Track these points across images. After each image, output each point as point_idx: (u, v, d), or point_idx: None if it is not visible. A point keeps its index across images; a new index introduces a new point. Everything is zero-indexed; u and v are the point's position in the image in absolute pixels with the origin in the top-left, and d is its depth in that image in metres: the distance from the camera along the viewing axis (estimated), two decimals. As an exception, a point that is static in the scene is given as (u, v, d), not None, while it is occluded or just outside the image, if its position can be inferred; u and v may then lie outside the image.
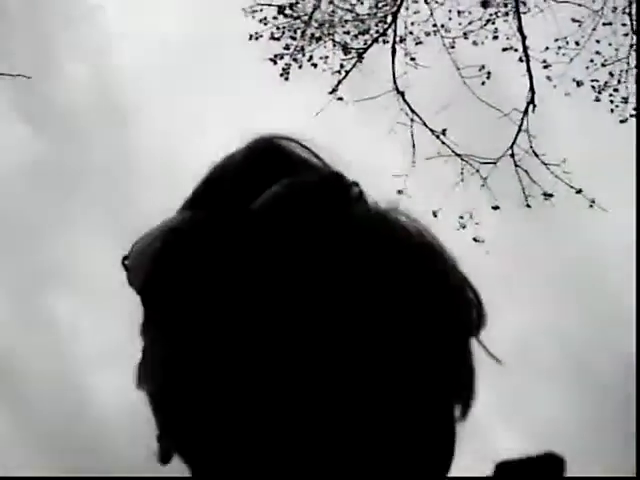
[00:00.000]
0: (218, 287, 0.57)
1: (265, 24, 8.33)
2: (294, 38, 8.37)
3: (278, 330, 0.55)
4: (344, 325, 0.55)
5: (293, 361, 0.54)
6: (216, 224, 0.59)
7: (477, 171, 7.27)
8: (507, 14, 7.91)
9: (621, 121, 7.70)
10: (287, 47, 8.36)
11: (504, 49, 7.83)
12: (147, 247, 0.63)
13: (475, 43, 7.99)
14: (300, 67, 8.29)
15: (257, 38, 8.32)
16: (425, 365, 0.57)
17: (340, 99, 7.78)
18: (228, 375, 0.55)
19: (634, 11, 7.53)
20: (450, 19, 8.03)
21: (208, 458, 0.57)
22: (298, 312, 0.55)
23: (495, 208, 7.20)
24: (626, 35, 7.69)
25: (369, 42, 8.18)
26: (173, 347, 0.58)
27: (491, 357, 0.64)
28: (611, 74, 7.79)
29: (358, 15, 8.25)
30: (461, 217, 7.29)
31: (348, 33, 8.29)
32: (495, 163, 7.29)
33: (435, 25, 8.04)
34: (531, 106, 7.63)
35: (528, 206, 7.32)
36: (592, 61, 7.80)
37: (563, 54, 7.78)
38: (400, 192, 6.55)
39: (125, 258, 0.65)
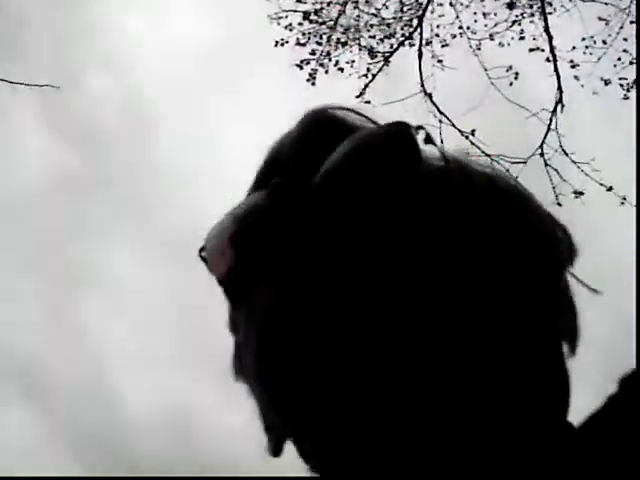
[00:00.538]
0: (305, 262, 0.56)
1: (290, 30, 8.37)
2: (320, 43, 8.40)
3: (376, 291, 0.54)
4: (444, 277, 0.54)
5: (398, 321, 0.53)
6: (285, 199, 0.58)
7: (507, 171, 7.22)
8: (533, 15, 7.91)
9: (650, 119, 7.66)
10: (313, 52, 8.38)
11: (531, 50, 7.83)
12: (222, 235, 0.63)
13: (501, 44, 8.00)
14: (327, 72, 8.32)
15: (283, 44, 8.35)
16: (528, 304, 0.56)
17: (367, 102, 7.78)
18: (333, 341, 0.53)
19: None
20: (476, 21, 8.05)
21: (329, 429, 0.55)
22: (393, 271, 0.54)
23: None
24: (654, 33, 7.67)
25: (395, 46, 8.20)
26: (270, 326, 0.56)
27: (587, 288, 0.63)
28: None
29: (384, 19, 8.27)
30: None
31: (374, 37, 8.31)
32: (525, 162, 7.27)
33: (461, 27, 8.06)
34: (559, 106, 7.63)
35: (559, 204, 7.30)
36: (620, 59, 7.78)
37: (590, 53, 7.77)
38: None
39: (201, 250, 0.65)
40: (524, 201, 0.62)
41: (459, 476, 0.52)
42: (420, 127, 0.63)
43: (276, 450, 0.63)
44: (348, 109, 0.67)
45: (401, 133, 0.61)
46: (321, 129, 0.64)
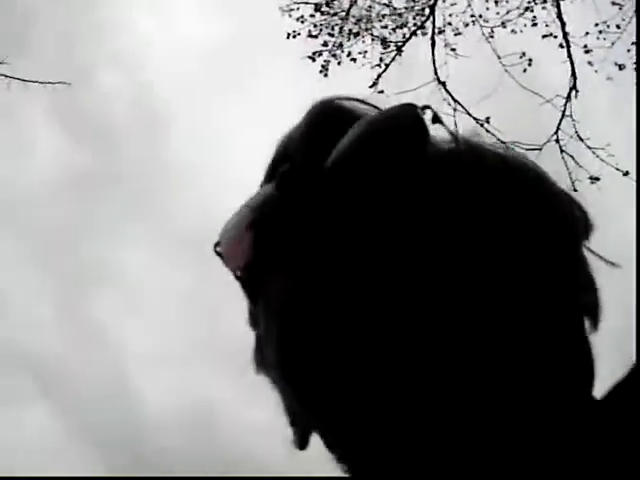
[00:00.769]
0: (320, 248, 0.55)
1: (302, 22, 8.36)
2: (332, 35, 8.38)
3: (395, 274, 0.53)
4: (461, 257, 0.54)
5: (417, 304, 0.52)
6: (295, 186, 0.58)
7: (522, 157, 7.20)
8: (545, 1, 7.87)
9: (665, 103, 7.61)
10: (325, 44, 8.37)
11: (544, 36, 7.77)
12: (240, 224, 0.63)
13: (514, 32, 7.96)
14: (339, 63, 8.30)
15: (295, 37, 8.34)
16: (546, 280, 0.56)
17: (381, 92, 7.76)
18: (353, 327, 0.53)
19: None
20: (488, 9, 8.01)
21: (352, 419, 0.54)
22: (410, 251, 0.54)
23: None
24: (667, 16, 7.61)
25: (407, 35, 8.18)
26: (288, 315, 0.56)
27: (604, 261, 0.63)
28: (654, 56, 7.71)
29: (395, 9, 8.24)
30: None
31: (386, 27, 8.28)
32: (540, 149, 7.24)
33: (473, 15, 8.03)
34: (574, 91, 7.59)
35: (575, 190, 7.25)
36: (634, 44, 7.73)
37: (604, 38, 7.71)
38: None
39: (216, 244, 0.65)
40: (538, 178, 0.62)
41: (487, 458, 0.52)
42: (427, 107, 0.63)
43: (302, 443, 0.63)
44: (356, 99, 0.67)
45: (409, 114, 0.61)
46: (328, 119, 0.64)
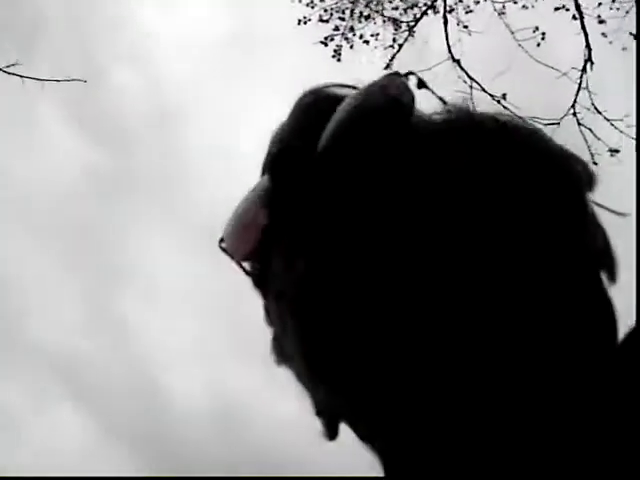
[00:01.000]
0: (327, 231, 0.55)
1: (312, 7, 8.34)
2: (343, 19, 8.36)
3: (402, 246, 0.53)
4: (465, 218, 0.54)
5: (427, 274, 0.52)
6: (291, 174, 0.58)
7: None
8: (556, -27, 7.80)
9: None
10: (337, 28, 8.35)
11: (556, 8, 7.72)
12: (238, 222, 0.63)
13: (525, 7, 7.91)
14: (351, 47, 8.28)
15: (306, 22, 8.32)
16: (552, 234, 0.55)
17: (396, 73, 7.72)
18: (366, 307, 0.52)
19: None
20: (498, -16, 7.96)
21: (377, 402, 0.54)
22: (413, 221, 0.53)
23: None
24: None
25: (418, 15, 8.14)
26: (302, 300, 0.55)
27: (612, 212, 0.62)
28: (669, 23, 7.63)
29: (405, -11, 8.21)
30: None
31: (397, 8, 8.25)
32: (558, 123, 7.20)
33: (484, -8, 7.98)
34: (589, 63, 7.53)
35: (595, 164, 7.23)
36: (647, 12, 7.66)
37: (617, 8, 7.65)
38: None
39: (221, 241, 0.65)
40: (535, 136, 0.62)
41: (514, 418, 0.52)
42: (411, 73, 0.63)
43: (331, 433, 0.62)
44: (345, 85, 0.66)
45: (394, 83, 0.62)
46: (317, 107, 0.64)
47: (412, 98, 0.61)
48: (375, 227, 0.54)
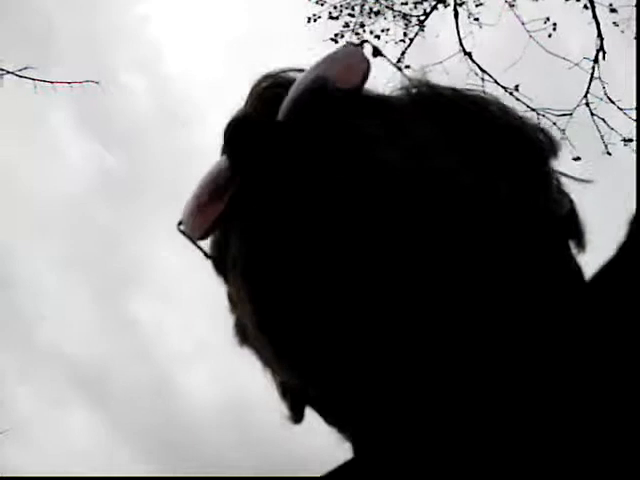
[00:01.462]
0: (289, 211, 0.53)
1: (322, 5, 8.33)
2: (353, 15, 8.34)
3: (365, 214, 0.51)
4: (425, 188, 0.52)
5: (392, 239, 0.51)
6: (246, 144, 0.56)
7: (554, 124, 7.16)
8: (566, -38, 7.76)
9: (695, 57, 7.47)
10: (347, 25, 8.33)
11: (567, -1, 7.69)
12: (196, 203, 0.62)
13: (535, -2, 7.87)
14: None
15: (315, 20, 8.31)
16: (518, 202, 0.55)
17: (407, 67, 7.73)
18: (323, 278, 0.51)
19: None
20: (508, -24, 7.92)
21: (338, 373, 0.53)
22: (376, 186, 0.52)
23: (577, 159, 7.08)
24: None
25: (428, 9, 8.12)
26: (255, 271, 0.54)
27: (576, 180, 0.62)
28: (681, 10, 7.58)
29: (414, -16, 8.19)
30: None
31: (406, 3, 8.23)
32: (571, 114, 7.18)
33: (494, -16, 7.95)
34: (601, 53, 7.49)
35: (609, 154, 7.20)
36: (659, 0, 7.61)
37: (629, -4, 7.61)
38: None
39: (179, 223, 0.64)
40: (497, 106, 0.62)
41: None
42: (365, 41, 0.63)
43: (296, 416, 0.62)
44: (301, 70, 0.65)
45: (350, 52, 0.62)
46: (272, 88, 0.64)
47: (368, 66, 0.61)
48: (333, 195, 0.52)
